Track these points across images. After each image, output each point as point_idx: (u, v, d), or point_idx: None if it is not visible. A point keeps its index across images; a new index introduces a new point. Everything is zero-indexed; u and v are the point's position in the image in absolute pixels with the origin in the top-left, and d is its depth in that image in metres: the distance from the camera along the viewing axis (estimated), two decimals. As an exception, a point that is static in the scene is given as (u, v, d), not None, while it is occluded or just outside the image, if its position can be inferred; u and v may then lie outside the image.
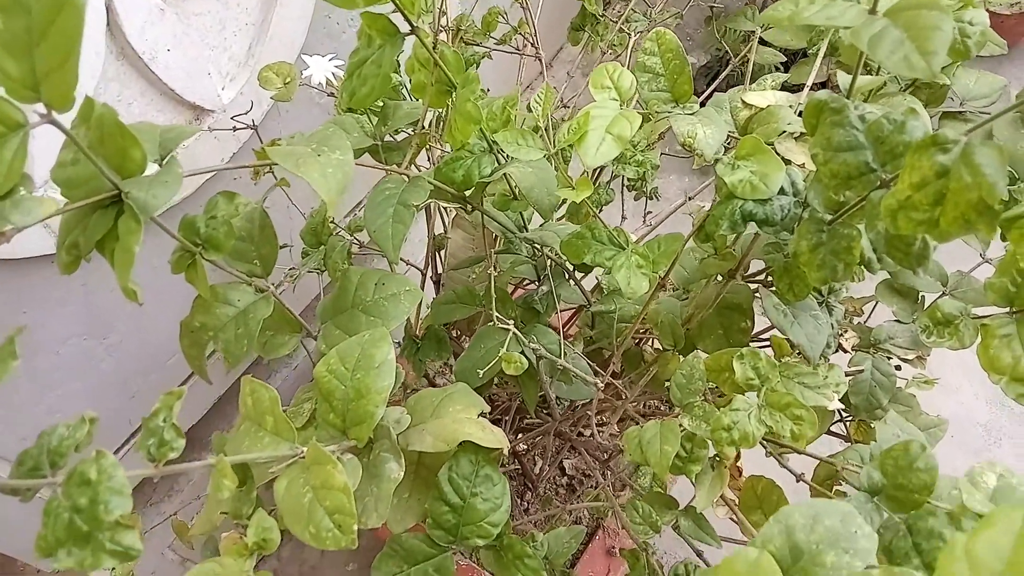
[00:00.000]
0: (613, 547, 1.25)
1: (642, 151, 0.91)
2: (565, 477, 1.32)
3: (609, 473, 1.00)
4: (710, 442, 0.64)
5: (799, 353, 0.67)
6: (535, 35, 0.89)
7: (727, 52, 1.15)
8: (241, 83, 1.00)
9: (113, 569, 0.86)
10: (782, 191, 0.59)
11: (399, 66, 0.61)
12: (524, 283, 1.10)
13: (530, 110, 0.62)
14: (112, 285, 1.02)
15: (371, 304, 0.66)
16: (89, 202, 0.50)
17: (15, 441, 0.96)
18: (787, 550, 0.45)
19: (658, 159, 0.92)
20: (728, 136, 0.65)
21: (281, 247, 0.81)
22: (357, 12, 0.55)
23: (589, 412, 0.75)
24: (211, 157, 1.00)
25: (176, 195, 0.55)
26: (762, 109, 0.64)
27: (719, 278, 0.72)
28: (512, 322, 0.66)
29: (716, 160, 0.60)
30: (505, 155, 0.70)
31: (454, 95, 0.63)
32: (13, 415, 0.95)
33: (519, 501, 1.22)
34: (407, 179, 0.65)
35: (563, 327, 1.05)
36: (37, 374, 0.97)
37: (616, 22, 1.00)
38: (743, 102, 0.64)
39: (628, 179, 1.09)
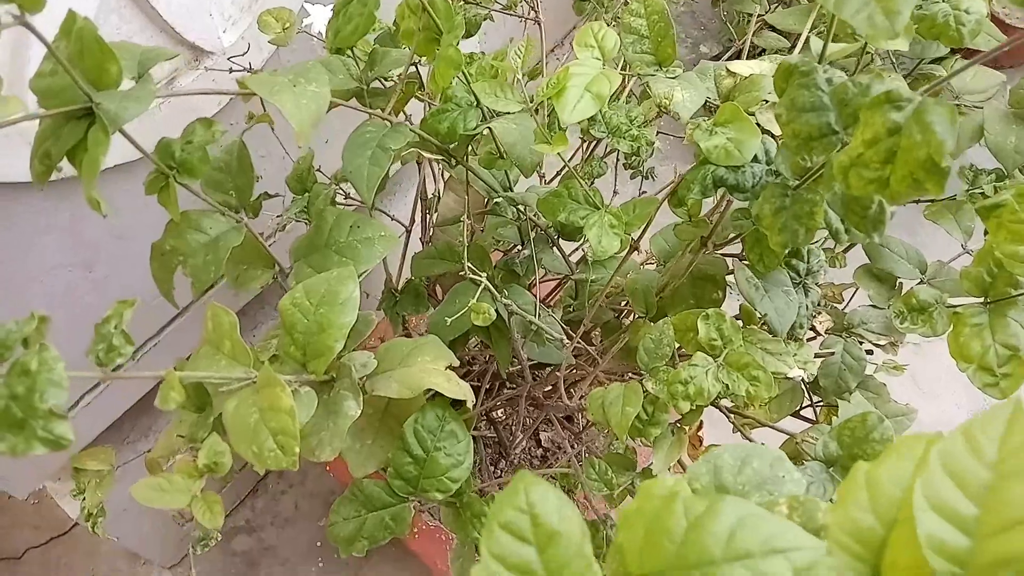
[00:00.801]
0: (582, 522, 1.25)
1: (638, 127, 0.91)
2: (540, 448, 1.33)
3: (579, 444, 1.01)
4: (671, 407, 0.65)
5: (765, 325, 0.67)
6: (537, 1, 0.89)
7: (738, 40, 1.15)
8: (243, 28, 1.00)
9: (84, 500, 0.88)
10: (755, 159, 0.59)
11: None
12: (511, 250, 1.10)
13: (511, 61, 0.62)
14: (99, 219, 1.03)
15: (344, 245, 0.66)
16: (63, 111, 0.51)
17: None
18: (712, 489, 0.46)
19: (654, 136, 0.92)
20: (709, 103, 0.65)
21: (273, 196, 0.81)
22: None
23: (558, 374, 0.75)
24: (208, 101, 1.01)
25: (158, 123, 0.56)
26: (745, 78, 0.63)
27: (691, 249, 0.73)
28: (486, 276, 0.66)
29: (694, 127, 0.61)
30: (492, 111, 0.70)
31: (440, 41, 0.63)
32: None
33: (493, 469, 1.22)
34: (389, 124, 0.66)
35: (546, 297, 1.06)
36: (21, 303, 0.98)
37: (622, -5, 1.00)
38: (727, 70, 0.64)
39: (623, 154, 1.09)
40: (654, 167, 1.18)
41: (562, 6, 1.19)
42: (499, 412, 1.31)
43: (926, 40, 0.78)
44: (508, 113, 0.71)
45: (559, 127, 0.63)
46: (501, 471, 1.23)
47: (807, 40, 0.61)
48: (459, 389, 0.70)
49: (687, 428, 0.69)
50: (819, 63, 0.51)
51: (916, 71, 0.82)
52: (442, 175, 1.10)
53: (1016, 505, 0.31)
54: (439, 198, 1.05)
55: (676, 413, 0.67)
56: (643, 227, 0.64)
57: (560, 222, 0.85)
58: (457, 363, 0.71)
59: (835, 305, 0.87)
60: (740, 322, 0.68)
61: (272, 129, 0.88)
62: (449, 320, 0.69)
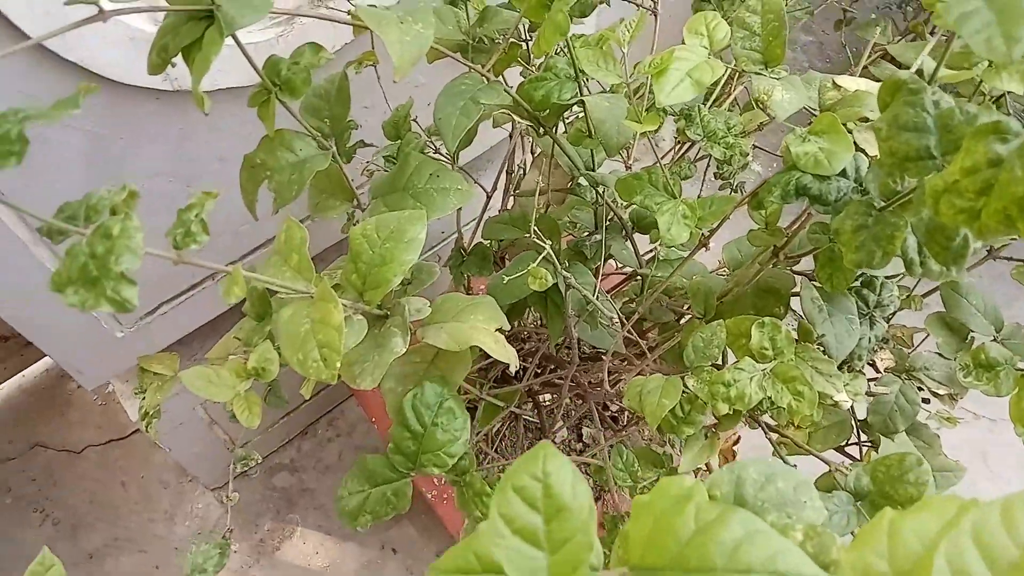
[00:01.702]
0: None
1: (735, 135, 0.90)
2: (581, 443, 1.33)
3: (615, 439, 1.01)
4: (708, 409, 0.64)
5: (821, 347, 0.65)
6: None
7: (851, 63, 1.11)
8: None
9: (144, 399, 0.92)
10: (844, 174, 0.58)
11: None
12: (585, 236, 1.11)
13: (619, 33, 0.62)
14: (204, 138, 1.07)
15: (421, 191, 0.68)
16: (187, 9, 0.53)
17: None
18: (732, 499, 0.45)
19: (749, 148, 0.91)
20: (810, 112, 0.64)
21: (369, 144, 0.84)
22: None
23: (605, 359, 0.76)
24: (326, 40, 1.04)
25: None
26: (850, 93, 0.62)
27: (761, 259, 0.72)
28: (551, 246, 0.67)
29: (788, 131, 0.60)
30: (587, 86, 0.71)
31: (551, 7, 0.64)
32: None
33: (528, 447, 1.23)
34: (486, 81, 0.67)
35: (611, 289, 1.06)
36: (120, 200, 1.04)
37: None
38: (833, 83, 0.63)
39: (715, 162, 1.08)
40: (744, 181, 1.17)
41: (681, 5, 1.18)
42: (545, 397, 1.32)
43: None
44: (604, 91, 0.72)
45: (654, 108, 0.63)
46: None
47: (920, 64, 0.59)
48: (505, 352, 0.70)
49: (720, 435, 0.68)
50: (929, 84, 0.49)
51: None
52: (532, 150, 1.11)
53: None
54: (525, 171, 1.07)
55: (713, 417, 0.67)
56: (716, 224, 0.64)
57: (636, 212, 0.85)
58: (508, 327, 0.72)
59: (903, 347, 0.84)
60: (796, 339, 0.67)
61: (379, 80, 0.90)
62: (506, 280, 0.70)
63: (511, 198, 1.06)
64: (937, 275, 0.54)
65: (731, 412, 0.62)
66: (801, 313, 0.68)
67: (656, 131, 0.61)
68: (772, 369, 0.61)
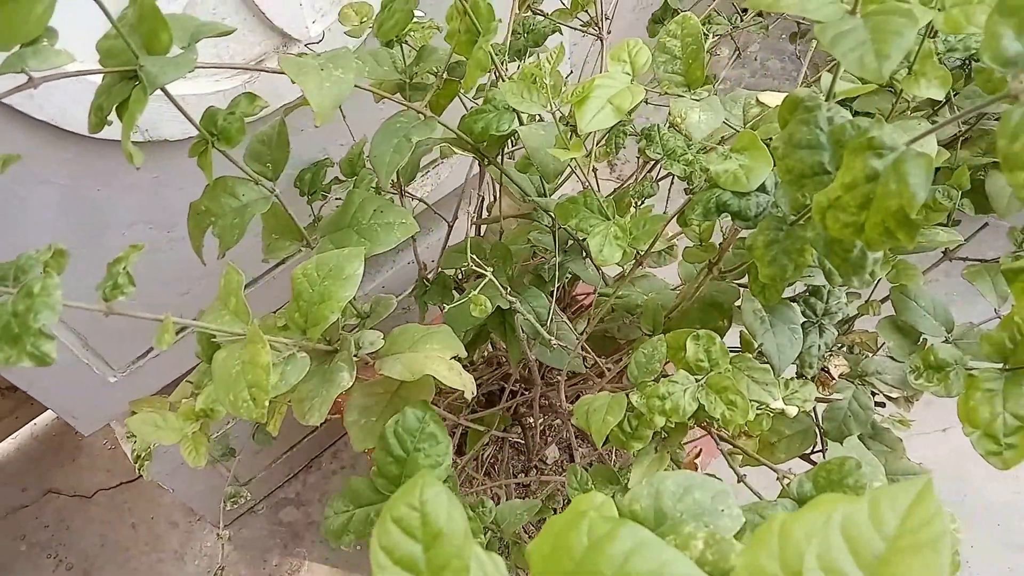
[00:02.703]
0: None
1: (695, 152, 0.91)
2: (573, 463, 1.34)
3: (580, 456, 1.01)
4: (658, 423, 0.65)
5: (761, 356, 0.66)
6: (602, 16, 0.90)
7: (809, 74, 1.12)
8: (330, 21, 1.06)
9: (136, 442, 0.94)
10: (763, 189, 0.59)
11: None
12: (538, 257, 1.12)
13: (541, 66, 0.64)
14: (181, 183, 1.10)
15: (365, 227, 0.70)
16: (116, 71, 0.56)
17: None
18: (651, 512, 0.46)
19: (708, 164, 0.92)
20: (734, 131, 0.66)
21: (344, 180, 0.86)
22: None
23: (560, 379, 0.77)
24: (291, 87, 1.07)
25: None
26: (772, 108, 0.63)
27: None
28: (492, 270, 0.68)
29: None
30: (533, 116, 0.72)
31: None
32: (74, 284, 1.05)
33: (523, 473, 1.24)
34: (422, 117, 0.69)
35: (579, 308, 1.07)
36: (101, 251, 1.07)
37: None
38: (757, 100, 0.65)
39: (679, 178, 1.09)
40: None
41: (629, 31, 1.20)
42: (529, 420, 1.33)
43: (985, 94, 0.75)
44: (541, 120, 0.73)
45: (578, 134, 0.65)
46: (523, 474, 1.25)
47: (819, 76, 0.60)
48: (459, 379, 0.72)
49: (673, 447, 0.69)
50: (826, 100, 0.51)
51: (978, 126, 0.79)
52: (500, 180, 1.13)
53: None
54: (495, 199, 1.08)
55: (663, 430, 0.67)
56: (651, 242, 0.65)
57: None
58: (465, 354, 0.73)
59: (868, 352, 0.85)
60: (739, 349, 0.68)
61: (344, 119, 0.92)
62: (446, 308, 0.72)
63: (479, 227, 1.08)
64: (859, 284, 0.55)
65: (671, 425, 0.63)
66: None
67: (603, 155, 0.63)
68: (707, 381, 0.62)
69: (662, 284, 0.90)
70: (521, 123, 0.73)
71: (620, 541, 0.33)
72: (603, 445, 0.65)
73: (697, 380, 0.62)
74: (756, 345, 0.66)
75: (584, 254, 0.91)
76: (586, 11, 0.91)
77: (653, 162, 1.12)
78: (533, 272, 0.87)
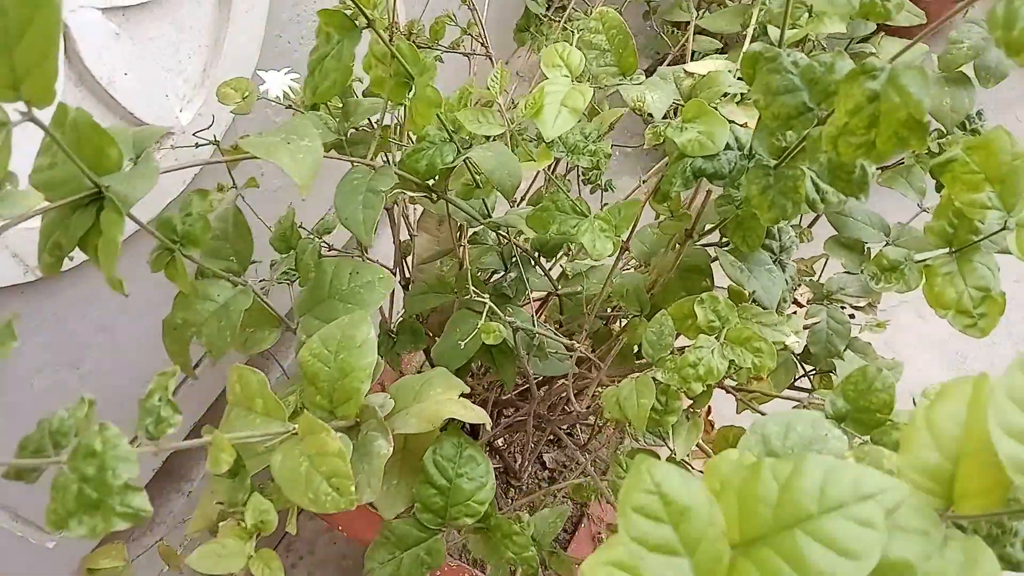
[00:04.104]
0: (598, 534, 1.27)
1: (594, 141, 0.95)
2: (547, 471, 1.34)
3: (587, 456, 1.03)
4: (683, 393, 0.67)
5: (755, 303, 0.70)
6: (485, 36, 0.92)
7: (667, 55, 1.20)
8: (198, 105, 1.02)
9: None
10: (728, 147, 0.63)
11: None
12: (490, 279, 1.13)
13: (488, 89, 0.65)
14: (81, 312, 1.02)
15: (347, 292, 0.68)
16: (70, 200, 0.52)
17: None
18: (765, 456, 0.48)
19: (609, 149, 0.96)
20: (674, 104, 0.69)
21: (253, 262, 0.82)
22: (307, 31, 0.58)
23: (566, 383, 0.78)
24: (173, 181, 1.01)
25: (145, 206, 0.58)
26: (703, 77, 0.68)
27: (677, 245, 0.76)
28: (488, 296, 0.68)
29: (657, 128, 0.65)
30: (466, 142, 0.73)
31: (413, 85, 0.66)
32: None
33: (503, 495, 1.23)
34: (373, 169, 0.68)
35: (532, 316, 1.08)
36: (10, 408, 0.97)
37: (559, 21, 1.04)
38: (685, 72, 0.69)
39: (583, 170, 1.13)
40: (611, 179, 1.23)
41: (502, 33, 1.23)
42: (500, 441, 1.33)
43: (854, 20, 0.84)
44: (483, 143, 0.74)
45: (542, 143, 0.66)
46: (512, 499, 1.24)
47: (754, 32, 0.65)
48: (476, 415, 0.71)
49: (700, 412, 0.72)
50: (779, 47, 0.55)
51: (848, 51, 0.88)
52: (415, 220, 1.13)
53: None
54: (412, 238, 1.08)
55: (687, 399, 0.70)
56: (631, 228, 0.67)
57: (538, 240, 0.88)
58: (468, 390, 0.73)
59: (811, 277, 0.91)
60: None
61: (244, 200, 0.89)
62: (463, 344, 0.71)
63: (406, 269, 1.07)
64: (836, 204, 0.60)
65: (705, 388, 0.65)
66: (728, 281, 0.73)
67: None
68: (726, 337, 0.65)
69: (605, 270, 0.93)
70: (459, 151, 0.73)
71: (810, 472, 0.35)
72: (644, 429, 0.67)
73: (717, 339, 0.65)
74: (748, 294, 0.70)
75: (533, 263, 0.92)
76: (468, 33, 0.92)
77: (556, 161, 1.15)
78: (494, 292, 0.88)
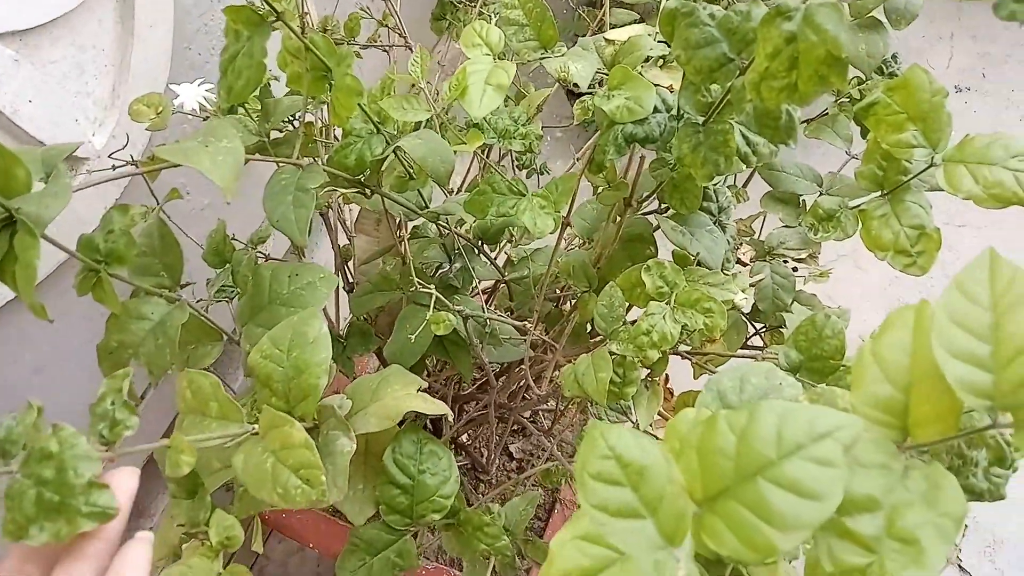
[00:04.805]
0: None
1: (524, 124, 0.94)
2: (514, 461, 1.34)
3: (554, 440, 1.02)
4: (639, 362, 0.67)
5: (700, 265, 0.71)
6: (402, 26, 0.91)
7: (587, 34, 1.20)
8: (111, 126, 0.98)
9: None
10: (656, 110, 0.63)
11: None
12: (436, 273, 1.12)
13: (410, 74, 0.64)
14: (13, 354, 0.97)
15: (288, 296, 0.66)
16: (-22, 227, 0.49)
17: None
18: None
19: (540, 130, 0.95)
20: (598, 75, 0.69)
21: (185, 284, 0.80)
22: (217, 40, 0.56)
23: (524, 369, 0.77)
24: (94, 206, 0.98)
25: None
26: (624, 43, 0.67)
27: (618, 216, 0.76)
28: (434, 287, 0.67)
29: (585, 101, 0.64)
30: (394, 133, 0.72)
31: (331, 77, 0.64)
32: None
33: (474, 491, 1.22)
34: (300, 168, 0.66)
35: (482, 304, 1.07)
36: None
37: (475, 6, 1.04)
38: (606, 40, 0.68)
39: (517, 155, 1.12)
40: (544, 162, 1.23)
41: (418, 24, 1.22)
42: (464, 437, 1.31)
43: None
44: (411, 132, 0.73)
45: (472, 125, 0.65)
46: (482, 494, 1.23)
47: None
48: (437, 407, 0.70)
49: (659, 380, 0.72)
50: (695, 2, 0.55)
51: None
52: (352, 223, 1.10)
53: (1020, 335, 0.35)
54: (350, 242, 1.06)
55: (644, 369, 0.70)
56: (570, 204, 0.67)
57: (480, 227, 0.87)
58: (425, 385, 0.72)
59: (751, 236, 0.92)
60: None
61: (171, 220, 0.86)
62: (413, 337, 0.70)
63: (349, 273, 1.05)
64: (768, 155, 0.60)
65: (661, 355, 0.65)
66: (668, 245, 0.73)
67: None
68: (676, 301, 0.65)
69: (548, 250, 0.92)
70: (388, 142, 0.72)
71: (765, 419, 0.34)
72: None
73: (668, 304, 0.65)
74: (692, 257, 0.70)
75: (477, 252, 0.91)
76: (385, 25, 0.91)
77: (488, 148, 1.14)
78: (440, 284, 0.86)
